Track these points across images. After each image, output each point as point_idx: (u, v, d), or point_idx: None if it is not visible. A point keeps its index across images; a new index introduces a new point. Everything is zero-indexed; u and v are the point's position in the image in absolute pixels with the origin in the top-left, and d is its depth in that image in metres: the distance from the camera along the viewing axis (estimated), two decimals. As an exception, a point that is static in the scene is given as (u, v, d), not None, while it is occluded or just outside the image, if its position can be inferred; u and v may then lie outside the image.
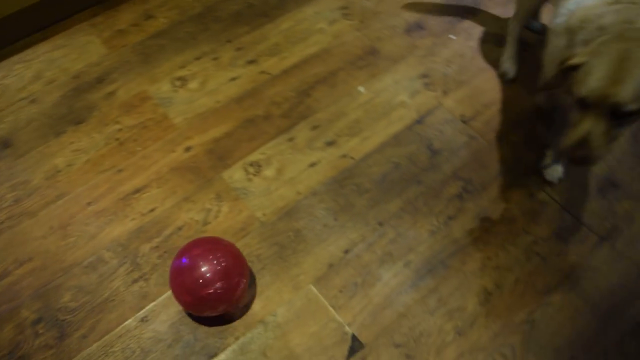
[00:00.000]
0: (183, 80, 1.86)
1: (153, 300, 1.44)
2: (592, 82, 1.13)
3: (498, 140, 1.74)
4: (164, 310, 1.43)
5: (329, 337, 1.40)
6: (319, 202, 1.60)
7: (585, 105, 1.15)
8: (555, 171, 1.66)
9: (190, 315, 1.42)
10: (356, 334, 1.40)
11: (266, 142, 1.72)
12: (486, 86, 1.88)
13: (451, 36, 2.00)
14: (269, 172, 1.66)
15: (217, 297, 1.29)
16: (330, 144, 1.71)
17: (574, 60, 1.17)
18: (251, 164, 1.67)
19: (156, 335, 1.40)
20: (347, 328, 1.41)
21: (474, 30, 2.03)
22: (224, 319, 1.41)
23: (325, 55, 1.94)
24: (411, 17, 2.05)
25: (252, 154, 1.69)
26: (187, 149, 1.70)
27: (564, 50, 1.32)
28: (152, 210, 1.59)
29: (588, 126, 1.15)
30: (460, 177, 1.66)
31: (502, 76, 1.88)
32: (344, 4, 2.08)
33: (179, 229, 1.55)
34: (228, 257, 1.32)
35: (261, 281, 1.47)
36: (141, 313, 1.43)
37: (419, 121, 1.77)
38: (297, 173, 1.65)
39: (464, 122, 1.78)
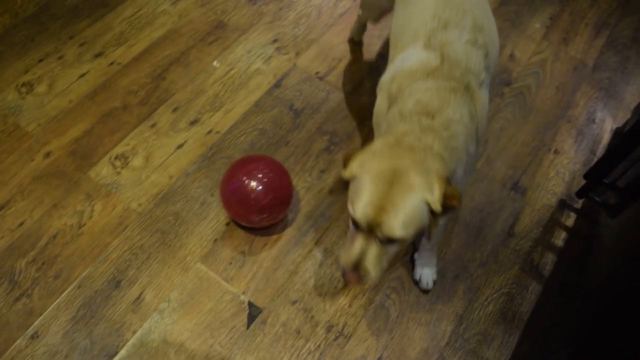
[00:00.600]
0: (29, 85, 1.77)
1: (40, 315, 1.39)
2: (361, 206, 1.04)
3: (354, 89, 1.82)
4: (54, 322, 1.38)
5: (227, 310, 1.42)
6: (193, 181, 1.60)
7: (357, 226, 1.08)
8: (427, 277, 1.49)
9: (83, 319, 1.38)
10: (252, 301, 1.43)
11: (129, 133, 1.68)
12: (335, 41, 1.94)
13: (294, -2, 2.04)
14: (136, 161, 1.63)
15: (273, 204, 1.41)
16: (194, 122, 1.71)
17: (346, 175, 1.10)
18: (117, 157, 1.63)
19: (50, 349, 1.35)
20: (242, 297, 1.44)
21: (315, -11, 2.08)
22: (122, 316, 1.40)
23: (174, 36, 1.91)
24: (253, -15, 2.07)
25: (116, 147, 1.65)
26: (47, 155, 1.63)
27: (385, 113, 1.21)
28: (21, 224, 1.52)
29: (360, 248, 1.08)
30: (325, 132, 1.72)
31: (350, 40, 1.93)
32: (183, -18, 2.05)
33: (54, 237, 1.50)
34: (269, 168, 1.42)
35: (149, 270, 1.46)
36: (30, 330, 1.37)
37: (277, 85, 1.80)
38: (165, 157, 1.64)
39: (320, 78, 1.83)
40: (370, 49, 1.94)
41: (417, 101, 1.12)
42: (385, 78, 1.27)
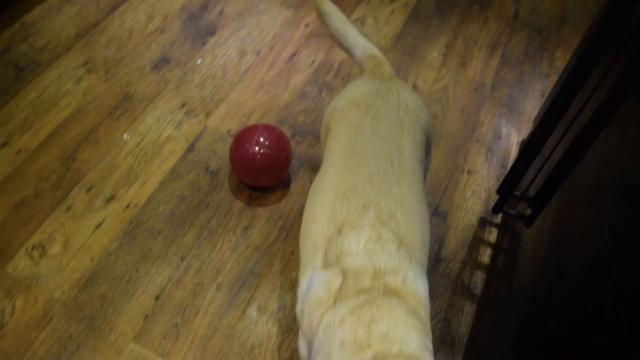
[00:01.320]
0: None
1: None
2: None
3: (268, 142, 1.84)
4: None
5: (167, 385, 1.39)
6: (116, 260, 1.57)
7: None
8: None
9: None
10: (192, 372, 1.41)
11: (44, 220, 1.64)
12: (243, 97, 1.97)
13: (198, 61, 2.07)
14: (55, 249, 1.59)
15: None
16: (110, 199, 1.69)
17: None
18: (34, 247, 1.59)
19: None
20: (181, 369, 1.41)
21: (218, 50, 2.12)
22: None
23: (81, 114, 1.89)
24: (155, 53, 2.08)
25: (32, 237, 1.61)
26: (-41, 257, 1.57)
27: None
28: (-62, 334, 1.44)
29: None
30: (243, 188, 1.73)
31: None
32: (84, 60, 2.04)
33: (-25, 342, 1.43)
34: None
35: (81, 360, 1.41)
36: None
37: (190, 149, 1.81)
38: (84, 240, 1.61)
39: (232, 136, 1.85)
40: (278, 100, 1.98)
41: (342, 343, 0.91)
42: (297, 309, 1.08)
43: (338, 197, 1.07)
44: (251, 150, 1.61)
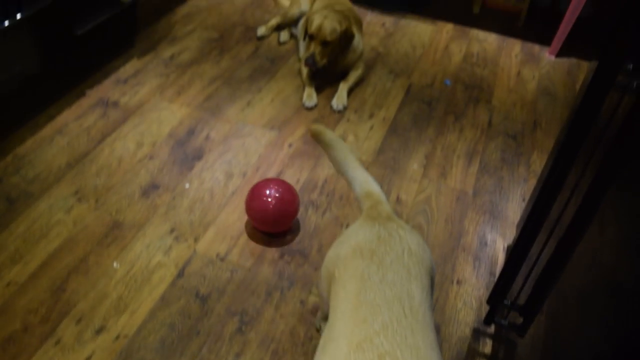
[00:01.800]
0: None
1: None
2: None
3: (256, 262, 1.86)
4: None
5: None
6: (105, 396, 1.54)
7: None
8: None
9: None
10: None
11: (32, 356, 1.62)
12: (231, 219, 2.01)
13: (186, 185, 2.13)
14: (43, 387, 1.55)
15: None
16: (100, 330, 1.67)
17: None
18: (21, 387, 1.55)
19: None
20: None
21: (205, 173, 2.18)
22: None
23: (71, 244, 1.91)
24: (144, 180, 2.14)
25: (19, 376, 1.58)
26: (-57, 401, 1.53)
27: None
28: None
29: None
30: (234, 312, 1.72)
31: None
32: (75, 189, 2.09)
33: None
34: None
35: None
36: None
37: (180, 275, 1.82)
38: (73, 376, 1.58)
39: (222, 259, 1.87)
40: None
41: None
42: None
43: (352, 348, 1.05)
44: (265, 199, 1.90)
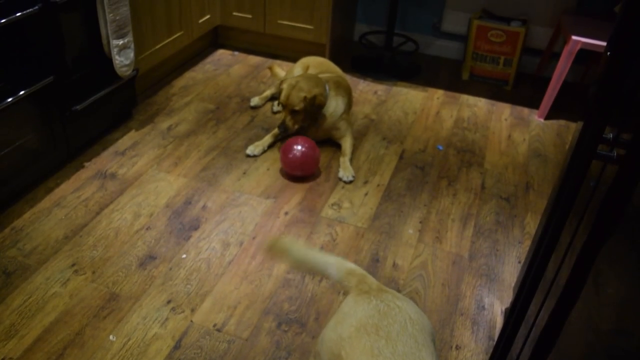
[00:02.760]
0: None
1: None
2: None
3: (253, 332, 1.85)
4: None
5: None
6: None
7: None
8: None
9: None
10: None
11: None
12: (228, 288, 2.01)
13: (183, 255, 2.14)
14: None
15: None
16: (95, 407, 1.65)
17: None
18: None
19: None
20: None
21: (202, 243, 2.20)
22: None
23: (67, 317, 1.91)
24: (141, 251, 2.15)
25: None
26: None
27: None
28: None
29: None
30: (232, 385, 1.70)
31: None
32: (72, 261, 2.10)
33: None
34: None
35: None
36: None
37: (177, 347, 1.81)
38: None
39: (219, 330, 1.86)
40: (262, 290, 2.02)
41: None
42: None
43: None
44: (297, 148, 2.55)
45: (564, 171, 1.57)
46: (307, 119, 2.72)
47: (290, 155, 2.55)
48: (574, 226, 1.43)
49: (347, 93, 2.90)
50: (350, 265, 1.45)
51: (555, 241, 1.50)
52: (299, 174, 2.59)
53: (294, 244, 1.50)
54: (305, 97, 2.63)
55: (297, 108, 2.66)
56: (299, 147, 2.55)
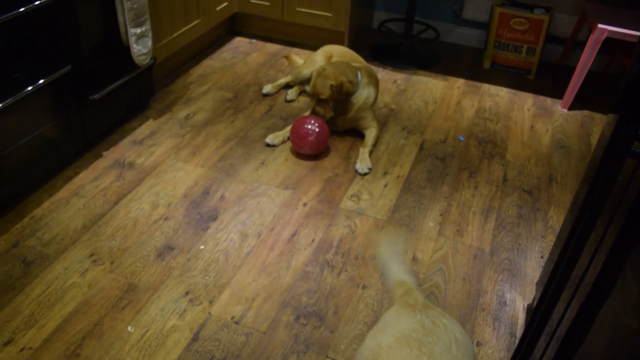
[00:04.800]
0: None
1: None
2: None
3: (272, 326, 1.83)
4: None
5: None
6: None
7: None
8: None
9: None
10: None
11: None
12: (246, 281, 1.99)
13: (201, 246, 2.12)
14: None
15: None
16: (113, 399, 1.64)
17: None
18: None
19: None
20: None
21: (220, 234, 2.18)
22: None
23: (85, 307, 1.90)
24: (159, 241, 2.14)
25: None
26: None
27: None
28: None
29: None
30: (250, 378, 1.69)
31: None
32: (90, 251, 2.10)
33: None
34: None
35: None
36: None
37: (195, 339, 1.80)
38: None
39: (237, 322, 1.85)
40: (280, 282, 2.00)
41: None
42: None
43: None
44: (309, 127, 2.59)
45: (594, 169, 1.52)
46: (337, 108, 2.68)
47: (302, 134, 2.59)
48: (604, 224, 1.38)
49: (377, 83, 2.86)
50: (406, 276, 1.42)
51: (585, 239, 1.46)
52: (308, 152, 2.64)
53: (394, 243, 1.50)
54: (331, 85, 2.59)
55: (323, 97, 2.63)
56: (311, 127, 2.58)
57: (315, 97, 2.66)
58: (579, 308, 1.39)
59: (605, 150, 1.21)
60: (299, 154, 2.67)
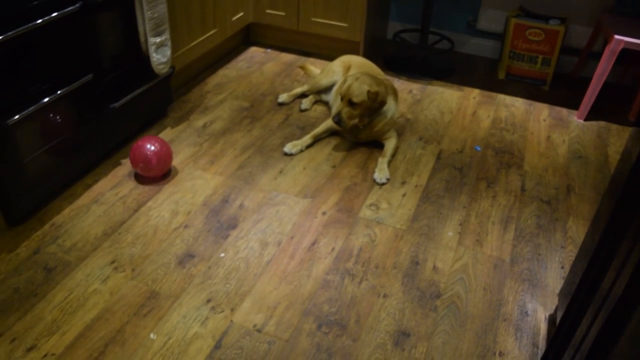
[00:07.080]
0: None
1: None
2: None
3: (294, 335, 1.83)
4: None
5: None
6: None
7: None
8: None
9: None
10: None
11: None
12: (267, 288, 2.00)
13: (221, 254, 2.13)
14: None
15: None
16: (137, 406, 1.64)
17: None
18: None
19: None
20: None
21: (240, 242, 2.19)
22: None
23: (107, 314, 1.91)
24: (179, 249, 2.15)
25: None
26: None
27: None
28: None
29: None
30: (273, 387, 1.69)
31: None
32: (112, 258, 2.11)
33: None
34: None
35: None
36: None
37: (217, 347, 1.80)
38: None
39: (259, 330, 1.85)
40: (301, 290, 2.00)
41: None
42: None
43: None
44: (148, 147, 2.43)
45: (618, 183, 1.52)
46: (364, 116, 2.68)
47: (143, 156, 2.44)
48: (631, 238, 1.38)
49: (396, 97, 2.88)
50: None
51: (612, 254, 1.46)
52: (149, 174, 2.49)
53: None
54: (368, 91, 2.59)
55: (356, 100, 2.60)
56: (151, 148, 2.43)
57: (346, 98, 2.62)
58: (605, 322, 1.38)
59: (635, 165, 1.21)
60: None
